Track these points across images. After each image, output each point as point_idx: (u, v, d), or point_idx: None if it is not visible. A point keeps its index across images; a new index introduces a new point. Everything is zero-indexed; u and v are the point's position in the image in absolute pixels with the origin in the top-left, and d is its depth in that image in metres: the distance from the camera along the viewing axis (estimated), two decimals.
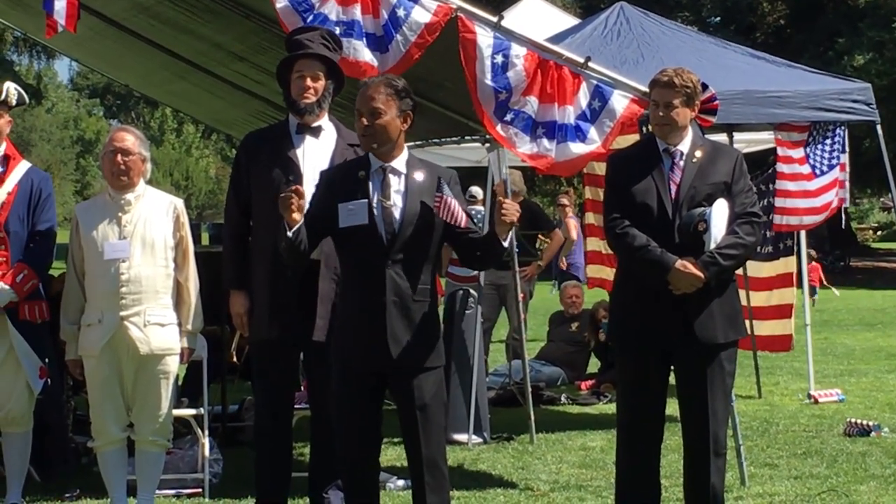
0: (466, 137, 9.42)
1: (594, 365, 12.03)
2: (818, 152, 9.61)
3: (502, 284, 10.67)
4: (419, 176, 5.00)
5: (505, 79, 6.80)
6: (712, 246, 5.33)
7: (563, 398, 10.72)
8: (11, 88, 6.37)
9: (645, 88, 6.45)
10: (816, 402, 10.36)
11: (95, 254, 6.03)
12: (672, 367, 5.54)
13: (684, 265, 5.30)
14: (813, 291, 18.47)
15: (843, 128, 9.66)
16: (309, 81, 6.03)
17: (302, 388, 6.80)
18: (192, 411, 7.21)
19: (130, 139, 6.11)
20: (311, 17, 6.49)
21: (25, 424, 6.37)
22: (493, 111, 6.83)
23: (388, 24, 6.60)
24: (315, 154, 6.04)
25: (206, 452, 7.04)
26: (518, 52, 6.81)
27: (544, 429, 8.90)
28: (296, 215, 4.85)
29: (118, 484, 6.20)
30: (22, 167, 6.39)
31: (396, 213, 4.93)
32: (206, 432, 7.12)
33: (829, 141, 9.60)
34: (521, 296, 9.30)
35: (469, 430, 8.52)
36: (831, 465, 7.67)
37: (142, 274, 6.02)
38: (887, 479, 7.24)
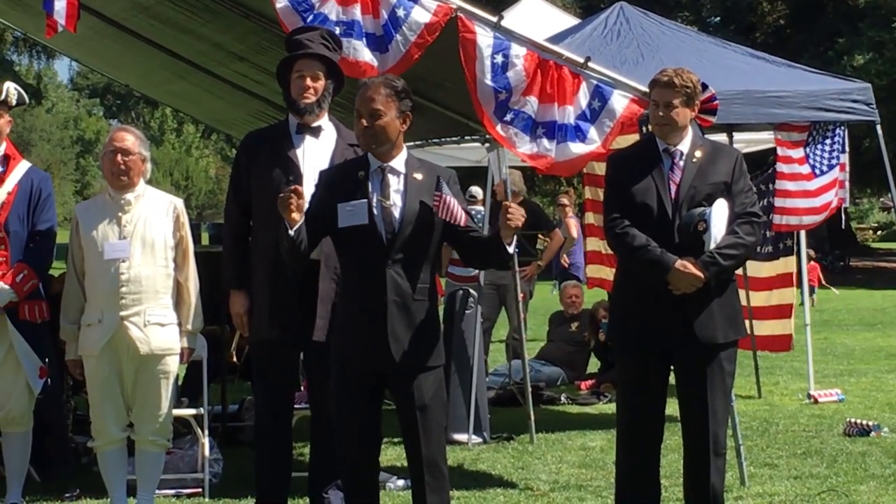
0: (466, 137, 9.42)
1: (594, 365, 12.03)
2: (818, 152, 9.61)
3: (502, 284, 10.68)
4: (418, 176, 5.00)
5: (505, 79, 6.80)
6: (712, 246, 5.33)
7: (562, 398, 10.73)
8: (11, 88, 6.37)
9: (645, 88, 6.45)
10: (816, 402, 10.36)
11: (95, 254, 6.03)
12: (672, 367, 5.54)
13: (684, 265, 5.31)
14: (811, 291, 18.46)
15: (842, 128, 9.66)
16: (309, 81, 6.03)
17: (302, 388, 6.80)
18: (192, 411, 7.21)
19: (130, 139, 6.11)
20: (310, 17, 6.49)
21: (25, 424, 6.37)
22: (493, 111, 6.83)
23: (387, 24, 6.60)
24: (315, 154, 6.04)
25: (206, 452, 7.04)
26: (518, 52, 6.81)
27: (544, 429, 8.90)
28: (295, 215, 4.85)
29: (118, 484, 6.20)
30: (22, 167, 6.39)
31: (396, 213, 4.93)
32: (206, 432, 7.12)
33: (828, 141, 9.60)
34: (520, 296, 9.31)
35: (469, 429, 8.52)
36: (831, 464, 7.67)
37: (142, 274, 6.02)
38: (887, 479, 7.24)
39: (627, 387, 5.62)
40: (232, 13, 8.33)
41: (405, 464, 5.14)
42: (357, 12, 6.58)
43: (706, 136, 6.01)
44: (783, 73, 9.88)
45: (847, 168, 9.80)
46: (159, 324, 6.06)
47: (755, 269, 10.81)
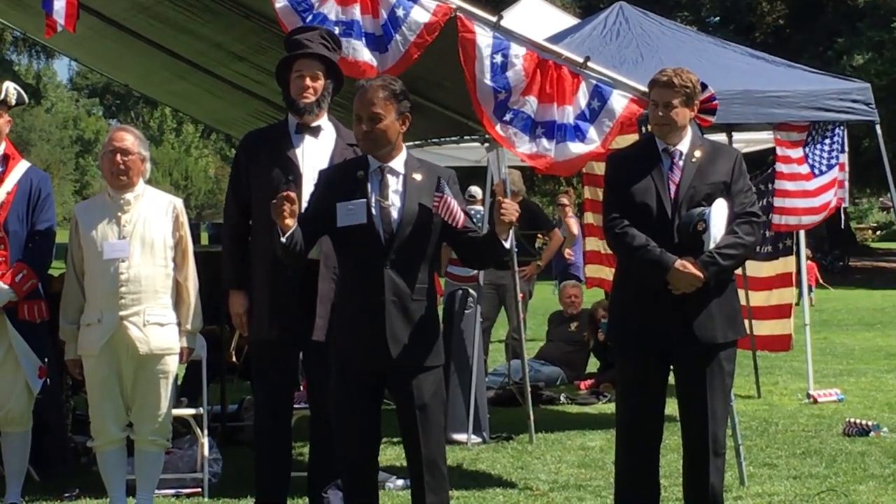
0: (466, 137, 9.42)
1: (593, 365, 12.03)
2: (817, 152, 9.61)
3: (501, 284, 10.68)
4: (417, 176, 5.00)
5: (504, 78, 6.80)
6: (711, 246, 5.33)
7: (562, 398, 10.73)
8: (11, 88, 6.37)
9: (644, 88, 6.45)
10: (815, 401, 10.37)
11: (95, 253, 6.03)
12: (671, 367, 5.54)
13: (683, 265, 5.31)
14: (808, 290, 18.48)
15: (842, 128, 9.66)
16: (308, 81, 6.03)
17: (301, 387, 6.80)
18: (192, 411, 7.21)
19: (130, 139, 6.11)
20: (310, 17, 6.49)
21: (25, 424, 6.37)
22: (493, 111, 6.83)
23: (387, 24, 6.61)
24: (314, 154, 6.04)
25: (206, 452, 7.04)
26: (517, 51, 6.81)
27: (543, 428, 8.90)
28: (289, 221, 4.83)
29: (117, 484, 6.20)
30: (21, 167, 6.39)
31: (395, 213, 4.93)
32: (206, 432, 7.12)
33: (828, 141, 9.60)
34: (520, 295, 9.31)
35: (468, 429, 8.52)
36: (830, 464, 7.67)
37: (141, 274, 6.02)
38: (886, 478, 7.24)
39: (627, 387, 5.62)
40: (231, 13, 8.33)
41: (404, 463, 5.14)
42: (356, 12, 6.58)
43: (705, 135, 6.01)
44: (782, 73, 9.88)
45: (846, 168, 9.80)
46: (159, 323, 6.06)
47: (755, 268, 10.81)
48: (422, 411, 4.93)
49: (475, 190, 12.34)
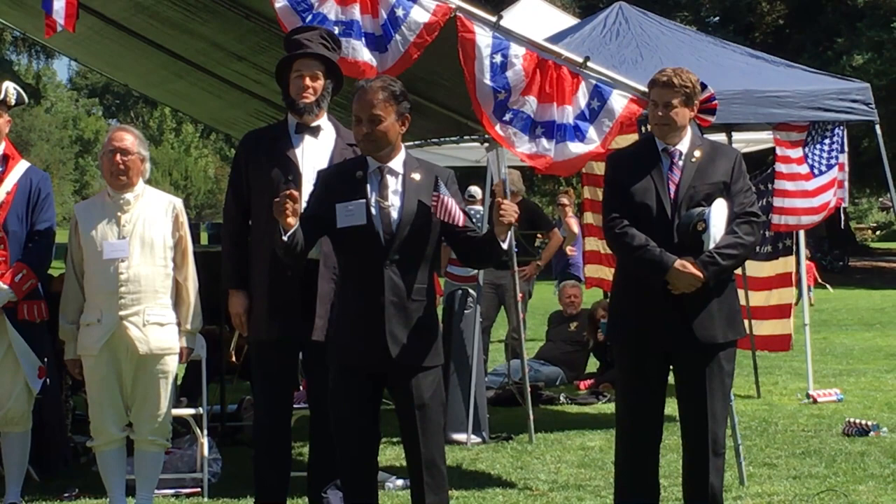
0: (465, 137, 9.42)
1: (593, 365, 12.03)
2: (817, 152, 9.61)
3: (501, 284, 10.68)
4: (416, 176, 5.00)
5: (504, 78, 6.80)
6: (711, 246, 5.33)
7: (561, 398, 10.72)
8: (10, 88, 6.37)
9: (644, 88, 6.45)
10: (815, 401, 10.36)
11: (94, 253, 6.03)
12: (671, 367, 5.54)
13: (683, 265, 5.31)
14: (808, 290, 18.48)
15: (841, 127, 9.66)
16: (308, 81, 6.03)
17: (301, 387, 6.80)
18: (191, 411, 7.21)
19: (129, 139, 6.11)
20: (309, 17, 6.49)
21: (24, 424, 6.37)
22: (492, 111, 6.83)
23: (386, 24, 6.61)
24: (314, 154, 6.04)
25: (205, 452, 7.04)
26: (517, 51, 6.81)
27: (543, 428, 8.90)
28: (291, 219, 4.83)
29: (117, 483, 6.20)
30: (21, 167, 6.40)
31: (394, 214, 4.94)
32: (205, 432, 7.12)
33: (827, 141, 9.60)
34: (519, 295, 9.31)
35: (468, 429, 8.52)
36: (830, 464, 7.67)
37: (141, 273, 6.02)
38: (886, 478, 7.24)
39: (626, 386, 5.62)
40: (231, 13, 8.33)
41: (404, 463, 5.14)
42: (356, 12, 6.58)
43: (705, 135, 6.01)
44: (782, 73, 9.88)
45: (846, 168, 9.80)
46: (158, 323, 6.06)
47: (755, 268, 10.82)
48: (421, 411, 4.93)
49: (475, 190, 12.33)
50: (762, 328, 11.04)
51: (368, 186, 4.96)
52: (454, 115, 8.75)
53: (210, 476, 7.04)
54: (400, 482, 6.91)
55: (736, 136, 10.06)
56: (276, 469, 6.09)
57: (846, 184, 9.88)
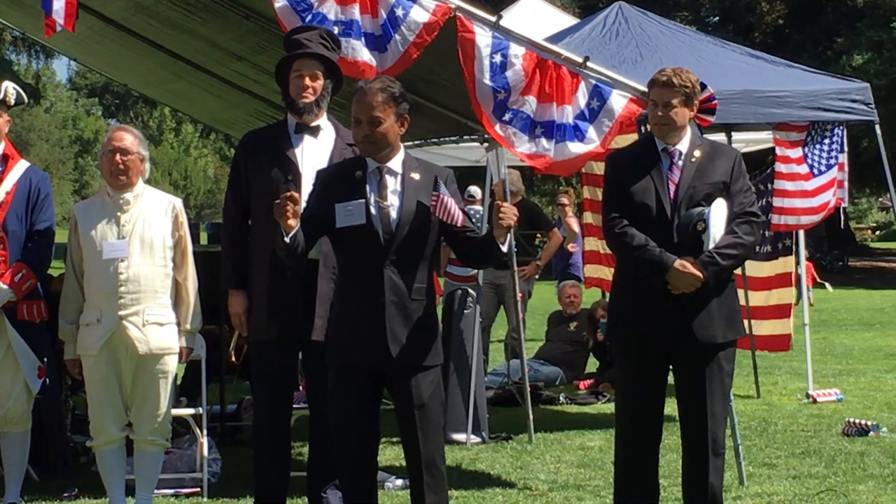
0: (465, 137, 9.42)
1: (592, 364, 12.03)
2: (816, 152, 9.61)
3: (501, 284, 10.68)
4: (416, 175, 5.00)
5: (503, 78, 6.80)
6: (711, 245, 5.33)
7: (561, 398, 10.73)
8: (10, 88, 6.37)
9: (643, 88, 6.44)
10: (815, 401, 10.37)
11: (94, 253, 6.03)
12: (671, 367, 5.54)
13: (683, 265, 5.30)
14: (807, 290, 18.47)
15: (841, 127, 9.65)
16: (307, 81, 6.03)
17: (301, 387, 6.80)
18: (191, 411, 7.20)
19: (129, 139, 6.11)
20: (309, 17, 6.49)
21: (24, 424, 6.37)
22: (492, 111, 6.83)
23: (386, 24, 6.60)
24: (314, 153, 6.04)
25: (205, 452, 7.04)
26: (516, 51, 6.81)
27: (543, 428, 8.90)
28: (291, 221, 4.83)
29: (116, 483, 6.20)
30: (20, 167, 6.39)
31: (393, 214, 4.93)
32: (205, 432, 7.12)
33: (827, 141, 9.60)
34: (519, 295, 9.31)
35: (468, 429, 8.52)
36: (830, 464, 7.67)
37: (140, 273, 6.02)
38: (885, 478, 7.24)
39: (626, 386, 5.62)
40: (231, 13, 8.33)
41: (404, 463, 5.14)
42: (356, 12, 6.58)
43: (705, 135, 6.01)
44: (782, 73, 9.88)
45: (846, 168, 9.80)
46: (158, 323, 6.06)
47: (754, 268, 10.82)
48: (420, 411, 4.93)
49: (474, 190, 12.33)
50: (762, 328, 11.04)
51: (368, 186, 4.96)
52: (454, 114, 8.75)
53: (209, 476, 7.04)
54: (399, 482, 6.91)
55: (735, 136, 10.06)
56: (276, 469, 6.09)
57: (846, 184, 9.88)
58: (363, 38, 6.60)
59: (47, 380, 6.41)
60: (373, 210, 4.92)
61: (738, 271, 6.50)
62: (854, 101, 9.41)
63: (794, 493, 6.88)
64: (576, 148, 6.93)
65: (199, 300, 6.25)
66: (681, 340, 5.39)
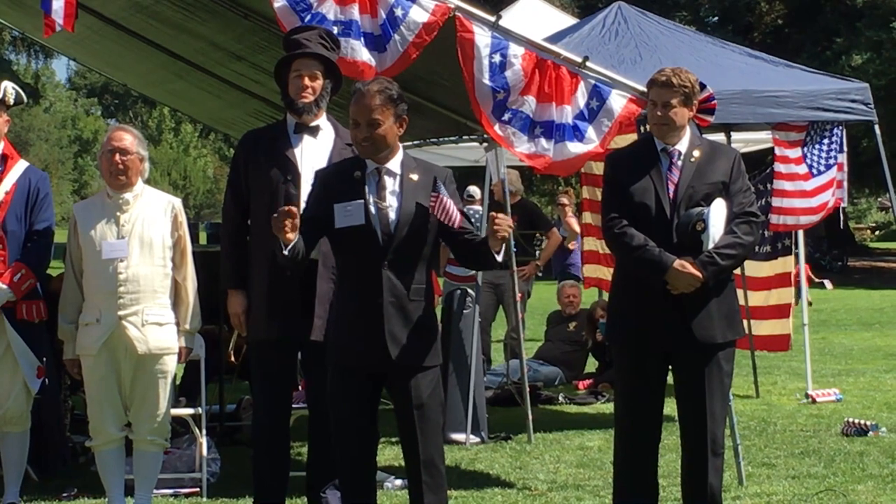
0: (464, 137, 9.42)
1: (592, 364, 12.03)
2: (815, 152, 9.60)
3: (500, 284, 10.68)
4: (414, 176, 5.00)
5: (503, 78, 6.80)
6: (710, 246, 5.33)
7: (560, 398, 10.72)
8: (9, 88, 6.37)
9: (643, 88, 6.44)
10: (814, 401, 10.36)
11: (93, 253, 6.03)
12: (670, 367, 5.54)
13: (682, 265, 5.30)
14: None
15: (840, 127, 9.65)
16: (307, 81, 6.03)
17: (300, 387, 6.79)
18: (190, 411, 7.20)
19: (128, 138, 6.11)
20: (308, 17, 6.49)
21: (23, 424, 6.36)
22: (491, 110, 6.83)
23: (385, 24, 6.60)
24: (313, 153, 6.04)
25: (204, 452, 7.04)
26: (516, 51, 6.81)
27: (542, 428, 8.90)
28: (290, 235, 4.81)
29: (116, 483, 6.20)
30: (20, 167, 6.39)
31: (392, 214, 4.94)
32: (204, 432, 7.12)
33: (826, 141, 9.59)
34: (518, 295, 9.30)
35: (467, 429, 8.52)
36: (829, 464, 7.67)
37: (140, 273, 6.01)
38: (885, 478, 7.24)
39: (625, 387, 5.62)
40: (230, 13, 8.33)
41: (403, 463, 5.14)
42: (355, 12, 6.58)
43: (704, 135, 6.01)
44: (781, 73, 9.88)
45: (845, 168, 9.79)
46: (157, 323, 6.06)
47: (754, 268, 10.82)
48: (420, 411, 4.93)
49: (474, 190, 12.33)
50: (761, 328, 11.04)
51: (366, 187, 4.96)
52: (453, 114, 8.75)
53: (209, 476, 7.03)
54: (399, 482, 6.91)
55: (735, 135, 10.06)
56: (275, 469, 6.09)
57: (845, 184, 9.87)
58: (362, 38, 6.60)
59: (46, 380, 6.41)
60: (371, 211, 4.92)
61: (737, 271, 6.50)
62: (853, 101, 9.41)
63: (794, 493, 6.88)
64: (575, 148, 6.93)
65: (198, 300, 6.25)
66: (680, 340, 5.39)
